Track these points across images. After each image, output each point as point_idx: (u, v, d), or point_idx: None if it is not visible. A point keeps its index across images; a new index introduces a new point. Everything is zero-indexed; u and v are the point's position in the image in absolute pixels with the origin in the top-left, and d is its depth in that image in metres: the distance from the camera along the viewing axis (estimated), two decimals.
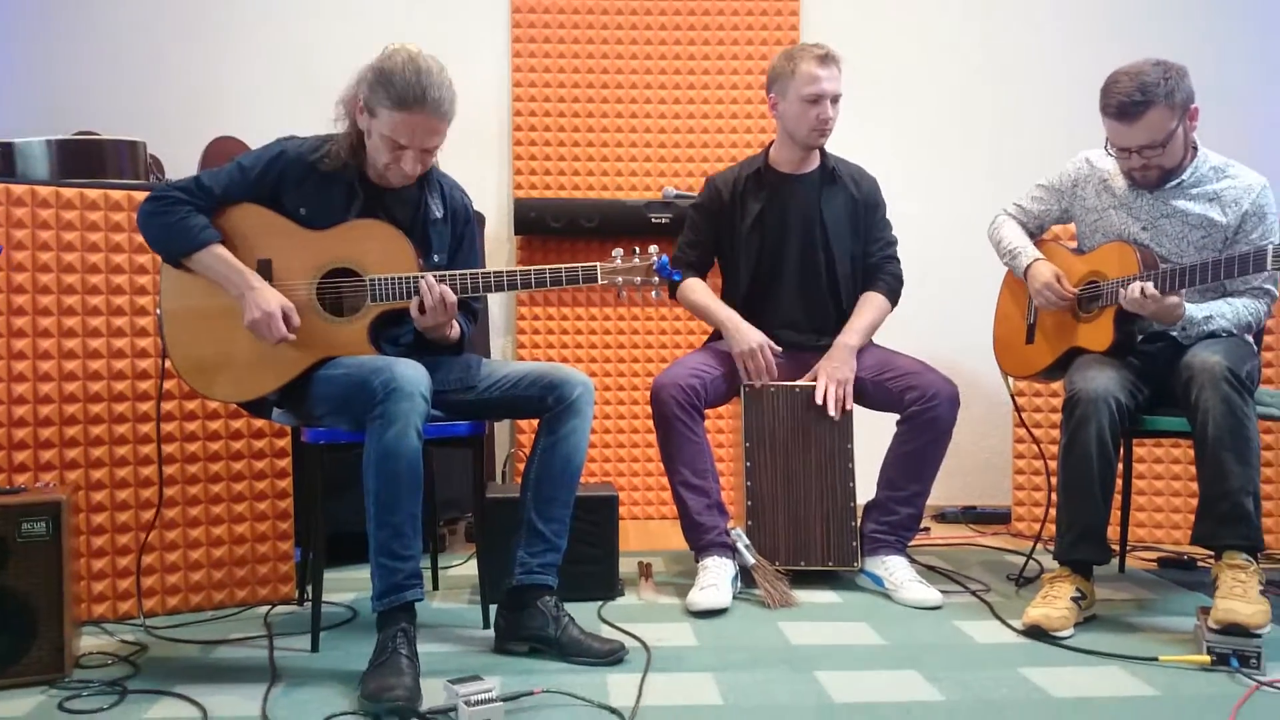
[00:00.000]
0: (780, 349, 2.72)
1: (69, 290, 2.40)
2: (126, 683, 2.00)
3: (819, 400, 2.68)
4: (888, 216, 2.91)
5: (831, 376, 2.69)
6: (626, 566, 2.79)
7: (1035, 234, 2.76)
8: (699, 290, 2.82)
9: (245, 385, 2.18)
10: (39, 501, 2.01)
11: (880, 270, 2.86)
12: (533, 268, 2.21)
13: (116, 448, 2.44)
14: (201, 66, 3.77)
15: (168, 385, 2.45)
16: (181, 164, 3.18)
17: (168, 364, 2.24)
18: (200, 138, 3.29)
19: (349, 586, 2.70)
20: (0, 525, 1.97)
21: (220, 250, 2.13)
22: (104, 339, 2.43)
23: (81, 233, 2.41)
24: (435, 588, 2.75)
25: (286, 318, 2.10)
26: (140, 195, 2.20)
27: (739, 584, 2.64)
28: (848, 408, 2.71)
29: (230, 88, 3.76)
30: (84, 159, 2.77)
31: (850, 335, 2.75)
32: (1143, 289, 2.30)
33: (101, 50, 3.75)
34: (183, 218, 2.11)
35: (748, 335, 2.70)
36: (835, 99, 2.69)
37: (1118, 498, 2.68)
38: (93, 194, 2.43)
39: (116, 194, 2.46)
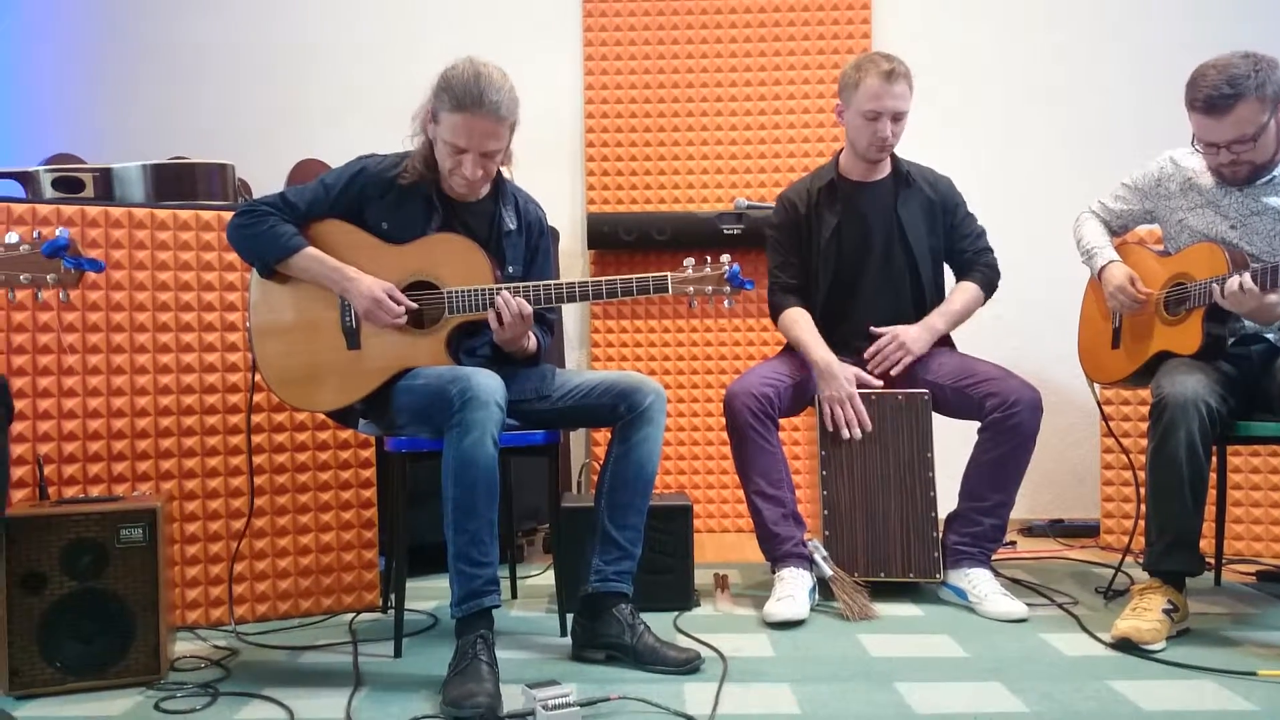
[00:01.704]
0: (879, 384, 2.67)
1: (163, 307, 2.50)
2: (218, 686, 2.07)
3: (870, 353, 2.67)
4: (970, 211, 2.87)
5: (900, 338, 2.67)
6: (703, 579, 2.79)
7: (1118, 233, 2.70)
8: (801, 324, 2.75)
9: (332, 396, 2.25)
10: (136, 508, 2.10)
11: (975, 262, 2.83)
12: (604, 278, 2.23)
13: (209, 459, 2.53)
14: (286, 92, 3.91)
15: (257, 398, 2.53)
16: (268, 186, 3.29)
17: (257, 377, 2.32)
18: (286, 160, 3.41)
19: (431, 595, 2.75)
20: (100, 531, 2.07)
21: (314, 251, 2.20)
22: (196, 354, 2.53)
23: (175, 252, 2.51)
24: (514, 597, 2.78)
25: (393, 297, 2.16)
26: (230, 215, 2.29)
27: (816, 596, 2.61)
28: (893, 374, 2.67)
29: (313, 112, 3.89)
30: (177, 182, 2.88)
31: (937, 318, 2.73)
32: (1241, 283, 2.22)
33: (192, 80, 3.92)
34: (272, 226, 2.19)
35: (840, 382, 2.64)
36: (897, 116, 2.65)
37: (1211, 508, 2.59)
38: (185, 215, 2.54)
39: (207, 214, 2.56)
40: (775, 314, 2.84)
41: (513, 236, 2.34)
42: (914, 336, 2.69)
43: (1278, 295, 2.23)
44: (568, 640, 2.30)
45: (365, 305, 2.16)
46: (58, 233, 1.84)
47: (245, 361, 2.55)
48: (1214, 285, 2.30)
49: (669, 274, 2.23)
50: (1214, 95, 2.25)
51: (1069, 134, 3.82)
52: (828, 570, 2.58)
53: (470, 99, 2.09)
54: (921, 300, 2.79)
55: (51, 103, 3.95)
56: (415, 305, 2.19)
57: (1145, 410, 2.39)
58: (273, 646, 2.36)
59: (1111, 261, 2.57)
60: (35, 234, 1.87)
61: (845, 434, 2.65)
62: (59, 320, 2.39)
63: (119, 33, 3.95)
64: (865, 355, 2.66)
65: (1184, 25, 3.75)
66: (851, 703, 1.93)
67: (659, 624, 2.33)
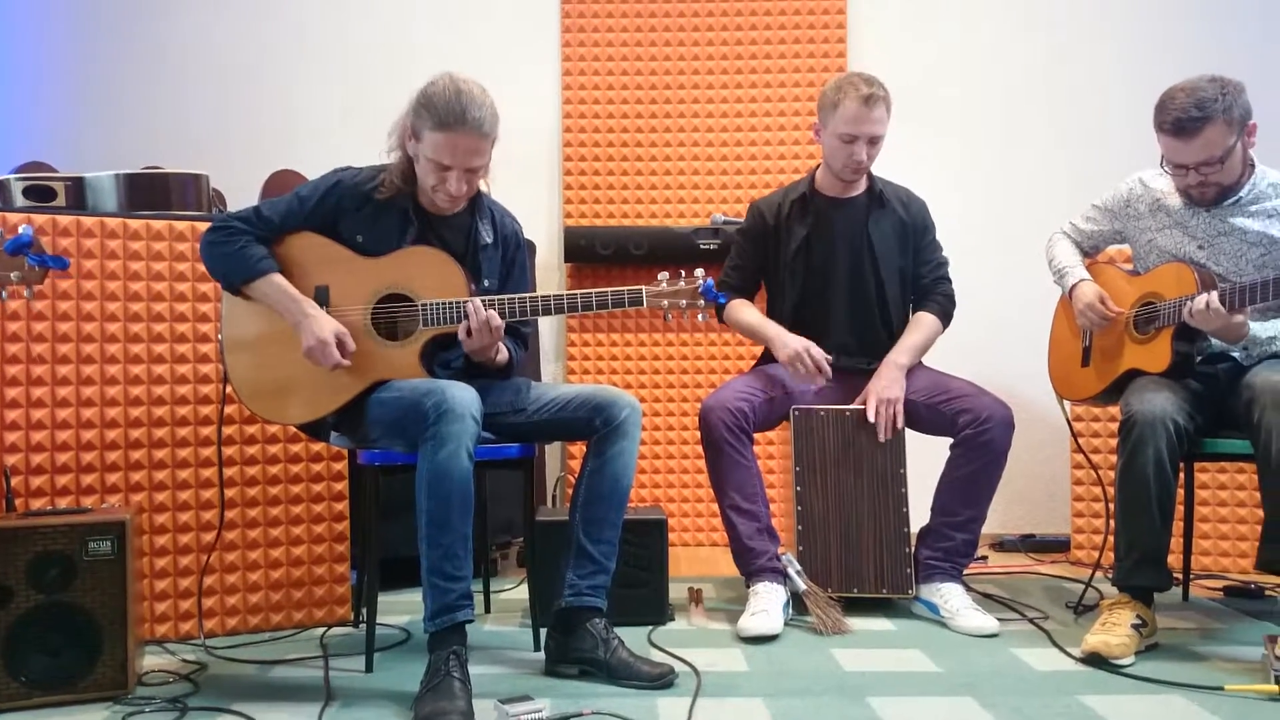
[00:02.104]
0: (830, 356, 2.69)
1: (135, 318, 2.48)
2: (187, 700, 2.04)
3: (870, 420, 2.66)
4: (937, 238, 2.90)
5: (880, 396, 2.67)
6: (677, 592, 2.79)
7: (1089, 254, 2.74)
8: (745, 309, 2.83)
9: (303, 409, 2.23)
10: (105, 521, 2.08)
11: (932, 291, 2.85)
12: (579, 291, 2.23)
13: (179, 471, 2.50)
14: (262, 103, 3.90)
15: (228, 410, 2.51)
16: (243, 196, 3.27)
17: (228, 389, 2.31)
18: (261, 171, 3.39)
19: (403, 609, 2.73)
20: (67, 543, 2.04)
21: (278, 279, 2.19)
22: (168, 365, 2.50)
23: (147, 262, 2.49)
24: (487, 611, 2.77)
25: (341, 344, 2.15)
26: (203, 226, 2.28)
27: (790, 610, 2.61)
28: (898, 427, 2.68)
29: (289, 122, 3.88)
30: (150, 192, 2.86)
31: (899, 354, 2.73)
32: (1208, 302, 2.25)
33: (167, 88, 3.90)
34: (242, 247, 2.18)
35: (791, 341, 2.69)
36: (873, 140, 2.67)
37: (1179, 524, 2.62)
38: (158, 225, 2.52)
39: (181, 225, 2.54)
40: (720, 311, 2.85)
41: (489, 250, 2.34)
42: (887, 384, 2.68)
43: (1244, 315, 2.28)
44: (541, 655, 2.29)
45: (310, 343, 2.13)
46: (20, 229, 1.82)
47: (217, 373, 2.53)
48: (1183, 304, 2.34)
49: (643, 287, 2.24)
50: (1183, 118, 2.29)
51: (1040, 156, 3.86)
52: (801, 585, 2.59)
53: (454, 117, 2.10)
54: (888, 316, 2.82)
55: (23, 111, 3.91)
56: (347, 363, 2.15)
57: (1115, 427, 2.42)
58: (242, 661, 2.34)
59: (1082, 280, 2.61)
60: None
61: (814, 385, 2.66)
62: (28, 330, 2.36)
63: (92, 41, 3.92)
64: (872, 423, 2.66)
65: (1163, 36, 3.81)
66: (824, 717, 1.93)
67: (633, 638, 2.33)
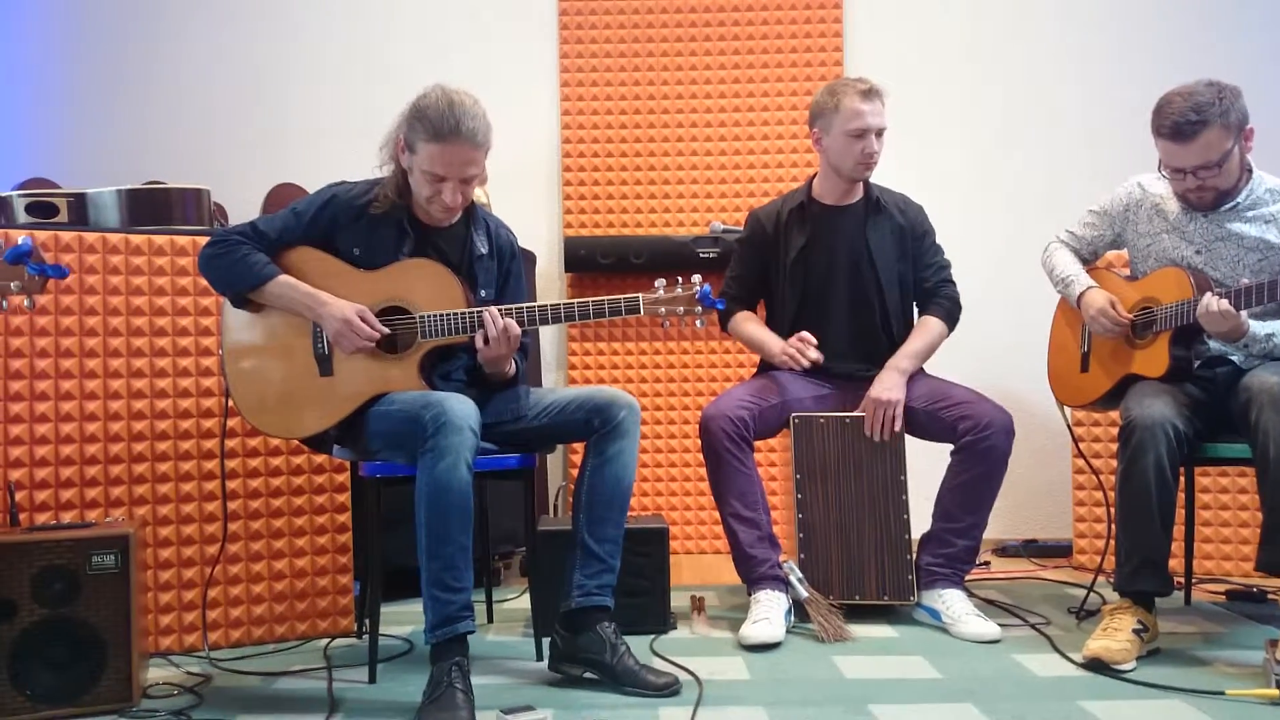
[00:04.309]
0: (820, 357, 2.69)
1: (138, 333, 2.49)
2: (191, 712, 2.05)
3: (866, 423, 2.67)
4: (938, 242, 2.90)
5: (878, 398, 2.68)
6: (679, 600, 2.79)
7: (1088, 260, 2.74)
8: (748, 322, 2.85)
9: (304, 422, 2.25)
10: (108, 535, 2.09)
11: (936, 294, 2.85)
12: (576, 300, 2.24)
13: (182, 484, 2.52)
14: (262, 117, 3.92)
15: (230, 423, 2.52)
16: (244, 210, 3.29)
17: (230, 403, 2.32)
18: (262, 185, 3.41)
19: (406, 620, 2.74)
20: (72, 558, 2.05)
21: (286, 278, 2.21)
22: (170, 379, 2.52)
23: (149, 277, 2.51)
24: (490, 621, 2.78)
25: (365, 320, 2.16)
26: (204, 240, 2.29)
27: (792, 618, 2.62)
28: (895, 430, 2.69)
29: (290, 137, 3.90)
30: (152, 207, 2.88)
31: (902, 359, 2.74)
32: (1218, 304, 2.25)
33: (169, 104, 3.92)
34: (244, 255, 2.20)
35: (785, 343, 2.70)
36: (879, 132, 2.70)
37: (1180, 528, 2.62)
38: (159, 240, 2.54)
39: (182, 240, 2.56)
40: (725, 319, 2.87)
41: (484, 260, 2.35)
42: (887, 386, 2.69)
43: (1244, 314, 2.28)
44: (543, 664, 2.29)
45: (335, 327, 2.17)
46: (19, 239, 1.83)
47: (219, 386, 2.54)
48: (1189, 305, 2.34)
49: (641, 295, 2.25)
50: (1180, 122, 2.30)
51: (1037, 161, 3.87)
52: (803, 592, 2.60)
53: (447, 128, 2.11)
54: (889, 322, 2.82)
55: (25, 127, 3.94)
56: (386, 330, 2.19)
57: (1115, 432, 2.42)
58: (246, 672, 2.35)
59: (1090, 288, 2.61)
60: None
61: (804, 362, 2.66)
62: (31, 345, 2.38)
63: (93, 58, 3.94)
64: (865, 430, 2.69)
65: (1161, 40, 3.81)
66: None
67: (636, 647, 2.32)
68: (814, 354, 2.66)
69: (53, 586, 2.04)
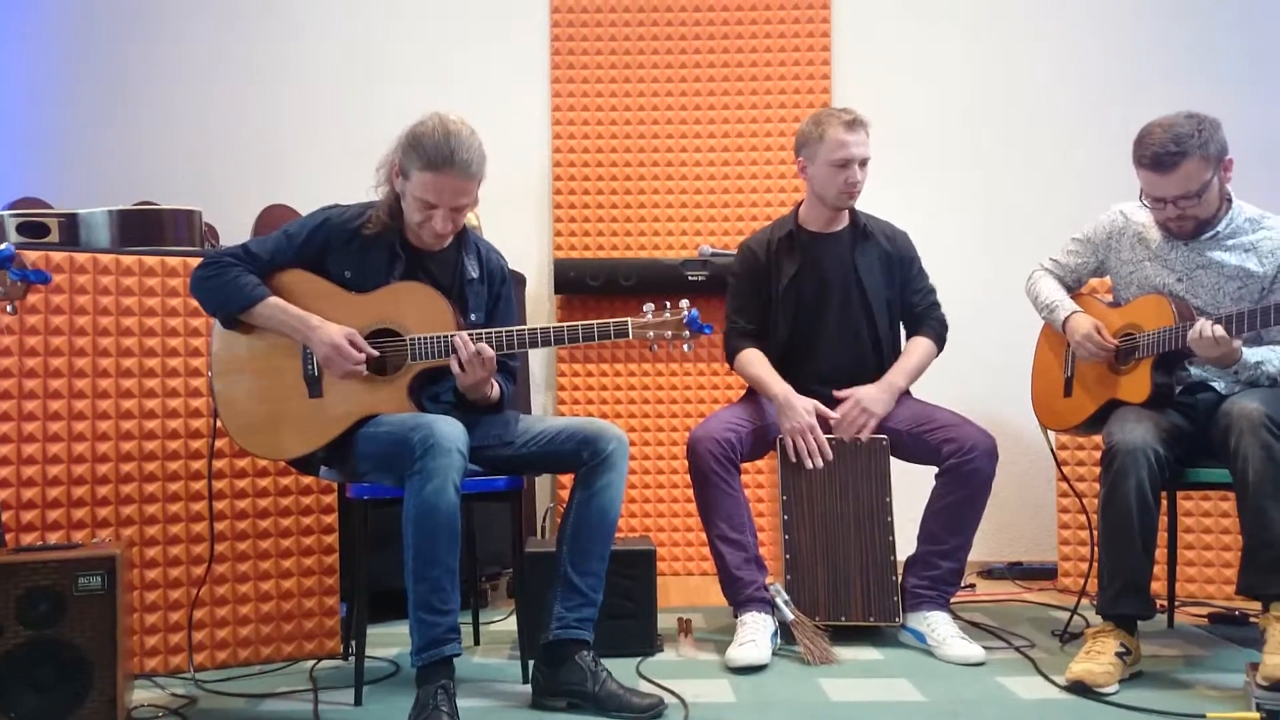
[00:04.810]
0: (835, 417, 2.72)
1: (127, 353, 2.50)
2: None
3: (834, 423, 2.71)
4: (923, 268, 2.94)
5: (860, 403, 2.70)
6: (666, 622, 2.80)
7: (1073, 288, 2.77)
8: (756, 362, 2.81)
9: (293, 444, 2.25)
10: (94, 556, 2.09)
11: (926, 318, 2.89)
12: (565, 324, 2.26)
13: (169, 505, 2.52)
14: (254, 137, 3.93)
15: (218, 444, 2.52)
16: (236, 231, 3.30)
17: (219, 424, 2.33)
18: (254, 206, 3.42)
19: (392, 641, 2.74)
20: (58, 579, 2.05)
21: (276, 300, 2.22)
22: (159, 399, 2.52)
23: (139, 298, 2.52)
24: (476, 643, 2.77)
25: (354, 344, 2.17)
26: (195, 261, 2.30)
27: (779, 640, 2.62)
28: (862, 439, 2.71)
29: (282, 158, 3.91)
30: (143, 228, 2.89)
31: (897, 375, 2.77)
32: (1211, 329, 2.27)
33: (160, 124, 3.93)
34: (235, 277, 2.21)
35: (800, 413, 2.69)
36: (863, 163, 2.73)
37: (1163, 551, 2.65)
38: (150, 261, 2.55)
39: (173, 260, 2.57)
40: (731, 356, 2.89)
41: (475, 284, 2.37)
42: (874, 398, 2.73)
43: (1239, 341, 2.31)
44: (529, 687, 2.29)
45: (325, 352, 2.18)
46: (1, 246, 1.84)
47: (207, 407, 2.55)
48: (1170, 332, 2.37)
49: (629, 319, 2.27)
50: (1160, 153, 2.34)
51: (1021, 188, 3.91)
52: (789, 614, 2.61)
53: (442, 158, 2.13)
54: (879, 347, 2.85)
55: (16, 147, 3.94)
56: (376, 353, 2.21)
57: (1099, 455, 2.45)
58: (232, 694, 2.34)
59: (1074, 313, 2.64)
60: None
61: (809, 464, 2.68)
62: (20, 366, 2.38)
63: (86, 79, 3.96)
64: (831, 423, 2.72)
65: (1145, 71, 3.87)
66: None
67: (622, 669, 2.33)
68: (819, 463, 2.69)
69: (38, 608, 2.03)
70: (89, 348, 2.46)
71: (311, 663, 2.59)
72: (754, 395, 2.87)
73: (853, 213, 2.86)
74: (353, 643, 2.38)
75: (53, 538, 2.37)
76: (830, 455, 2.70)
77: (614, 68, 3.93)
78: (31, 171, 3.87)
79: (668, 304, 2.30)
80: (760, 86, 3.91)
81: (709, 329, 2.32)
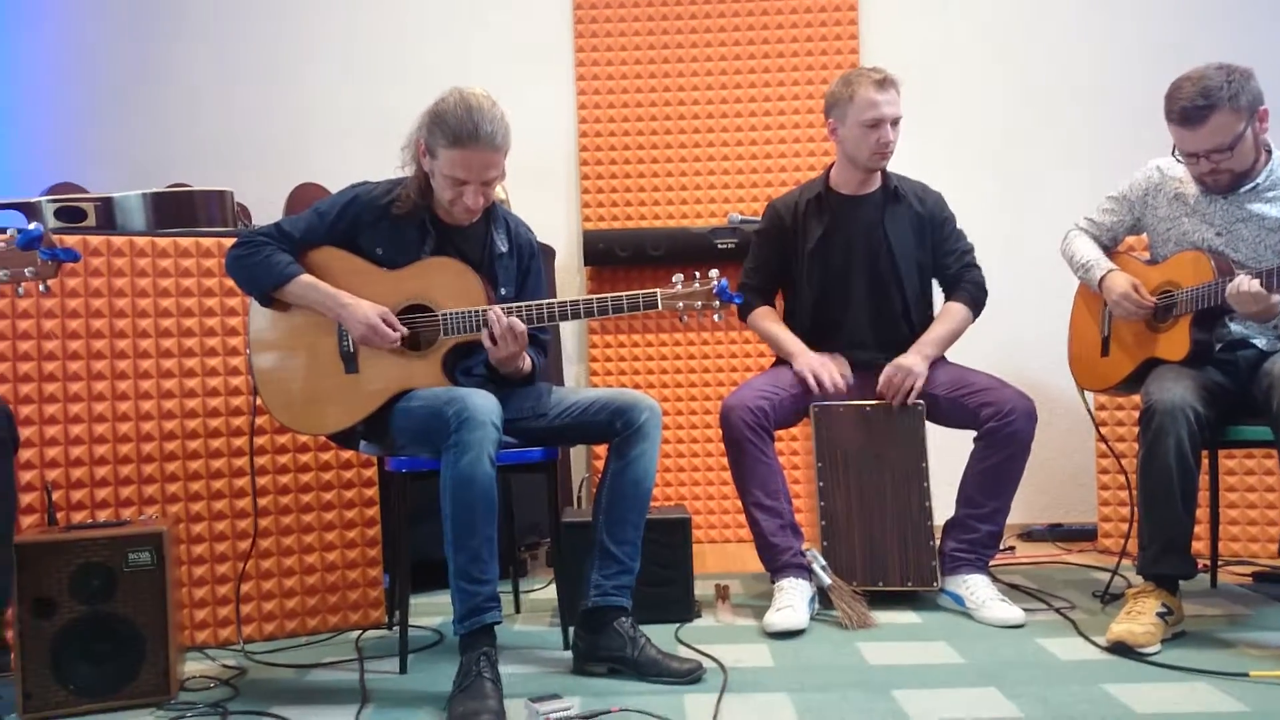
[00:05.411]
0: (849, 374, 2.72)
1: (166, 334, 2.54)
2: (227, 705, 2.10)
3: (879, 390, 2.71)
4: (959, 227, 2.91)
5: (900, 364, 2.70)
6: (704, 589, 2.82)
7: (1109, 247, 2.73)
8: (767, 317, 2.87)
9: (331, 419, 2.29)
10: (143, 533, 2.14)
11: (961, 280, 2.85)
12: (595, 296, 2.26)
13: (213, 481, 2.57)
14: (284, 117, 3.96)
15: (259, 420, 2.57)
16: (267, 210, 3.34)
17: (259, 401, 2.36)
18: (284, 185, 3.45)
19: (435, 611, 2.78)
20: (109, 555, 2.10)
21: (308, 278, 2.24)
22: (199, 378, 2.57)
23: (176, 279, 2.56)
24: (517, 611, 2.82)
25: (387, 322, 2.20)
26: (229, 241, 2.33)
27: (816, 605, 2.64)
28: (910, 402, 2.70)
29: (311, 137, 3.94)
30: (176, 209, 2.93)
31: (925, 345, 2.76)
32: (1249, 285, 2.23)
33: (191, 107, 3.97)
34: (268, 256, 2.24)
35: (812, 356, 2.73)
36: (895, 122, 2.70)
37: (1204, 510, 2.62)
38: (185, 242, 2.58)
39: (207, 241, 2.60)
40: (744, 311, 2.89)
41: (504, 259, 2.38)
42: (913, 361, 2.72)
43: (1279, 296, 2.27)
44: (569, 654, 2.33)
45: (361, 331, 2.20)
46: (31, 225, 1.87)
47: (247, 385, 2.59)
48: (1209, 288, 2.33)
49: (658, 290, 2.27)
50: (1189, 107, 2.30)
51: (1056, 146, 3.85)
52: (826, 579, 2.61)
53: (466, 133, 2.14)
54: (908, 311, 2.83)
55: (52, 134, 4.00)
56: (408, 331, 2.23)
57: (1138, 415, 2.42)
58: (280, 665, 2.40)
59: (1111, 270, 2.61)
60: (5, 230, 1.89)
61: (829, 387, 2.68)
62: (64, 349, 2.43)
63: (117, 65, 4.00)
64: (878, 390, 2.71)
65: (1175, 26, 3.78)
66: (848, 711, 1.96)
67: (661, 635, 2.36)
68: (840, 382, 2.69)
69: (91, 583, 2.09)
70: (129, 329, 2.51)
71: (357, 633, 2.64)
72: (786, 362, 2.86)
73: (884, 174, 2.83)
74: (396, 613, 2.42)
75: (101, 516, 2.43)
76: (851, 377, 2.70)
77: (639, 34, 3.90)
78: (66, 157, 3.92)
79: (697, 274, 2.29)
80: (787, 49, 3.87)
81: (739, 298, 2.32)
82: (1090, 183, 3.04)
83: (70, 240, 2.43)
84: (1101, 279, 2.61)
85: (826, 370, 2.70)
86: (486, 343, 2.22)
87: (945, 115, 3.84)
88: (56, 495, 2.38)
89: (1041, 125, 3.87)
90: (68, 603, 2.07)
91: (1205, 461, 2.45)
